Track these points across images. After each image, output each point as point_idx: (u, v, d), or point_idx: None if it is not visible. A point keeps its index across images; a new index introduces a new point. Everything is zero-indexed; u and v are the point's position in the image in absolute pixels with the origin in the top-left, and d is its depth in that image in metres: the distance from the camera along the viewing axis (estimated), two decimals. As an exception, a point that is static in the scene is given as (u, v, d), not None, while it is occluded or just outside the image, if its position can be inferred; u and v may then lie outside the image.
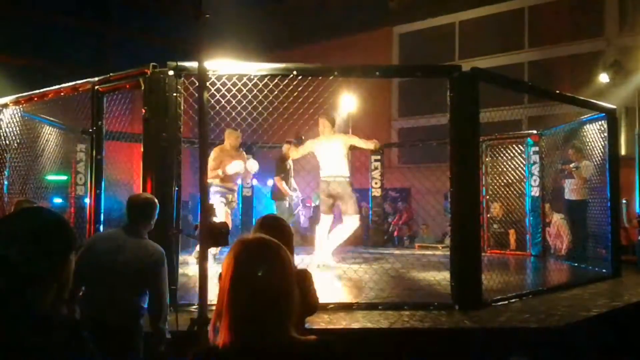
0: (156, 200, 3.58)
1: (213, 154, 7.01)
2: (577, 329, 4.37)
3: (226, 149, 7.27)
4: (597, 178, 7.72)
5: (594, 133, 7.51)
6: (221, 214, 6.88)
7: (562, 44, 12.76)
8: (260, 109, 5.63)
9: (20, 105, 6.56)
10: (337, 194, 6.96)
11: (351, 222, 6.99)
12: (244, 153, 7.65)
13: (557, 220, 9.17)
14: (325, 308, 4.58)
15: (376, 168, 10.89)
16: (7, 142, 6.66)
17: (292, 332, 1.42)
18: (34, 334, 1.35)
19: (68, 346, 1.37)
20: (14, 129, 6.70)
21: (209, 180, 7.08)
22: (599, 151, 7.44)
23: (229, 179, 7.19)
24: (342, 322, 4.34)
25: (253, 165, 7.38)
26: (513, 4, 13.68)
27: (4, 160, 6.68)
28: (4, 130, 6.64)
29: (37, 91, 6.14)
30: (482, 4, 13.90)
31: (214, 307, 3.99)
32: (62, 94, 5.78)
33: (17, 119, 6.70)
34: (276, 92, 5.35)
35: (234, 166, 6.98)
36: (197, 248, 4.11)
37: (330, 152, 6.92)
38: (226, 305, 1.40)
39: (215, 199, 6.92)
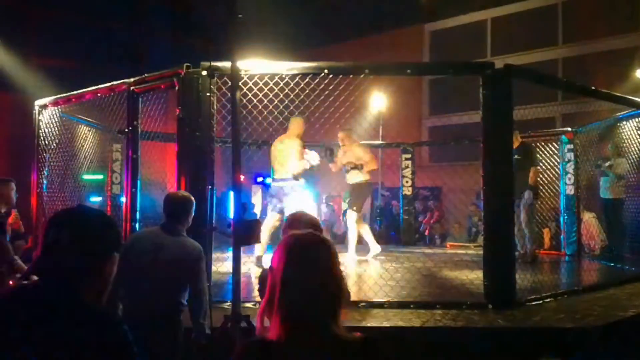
0: (192, 198, 3.63)
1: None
2: (613, 330, 4.30)
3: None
4: (633, 176, 7.57)
5: (631, 130, 7.36)
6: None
7: (596, 40, 12.50)
8: (291, 107, 5.66)
9: (59, 106, 6.73)
10: None
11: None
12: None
13: (588, 219, 9.00)
14: (356, 306, 4.60)
15: (407, 167, 10.82)
16: (46, 142, 6.83)
17: (341, 328, 1.43)
18: (77, 324, 1.40)
19: (109, 338, 1.42)
20: (53, 129, 6.87)
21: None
22: (636, 148, 7.30)
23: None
24: (374, 320, 4.34)
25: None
26: (546, 0, 13.46)
27: (43, 159, 6.86)
28: (43, 131, 6.82)
29: (75, 92, 6.29)
30: (515, 0, 13.71)
31: (246, 305, 3.99)
32: (98, 94, 5.92)
33: (56, 120, 6.87)
34: (307, 91, 5.37)
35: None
36: None
37: None
38: (278, 300, 1.41)
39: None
